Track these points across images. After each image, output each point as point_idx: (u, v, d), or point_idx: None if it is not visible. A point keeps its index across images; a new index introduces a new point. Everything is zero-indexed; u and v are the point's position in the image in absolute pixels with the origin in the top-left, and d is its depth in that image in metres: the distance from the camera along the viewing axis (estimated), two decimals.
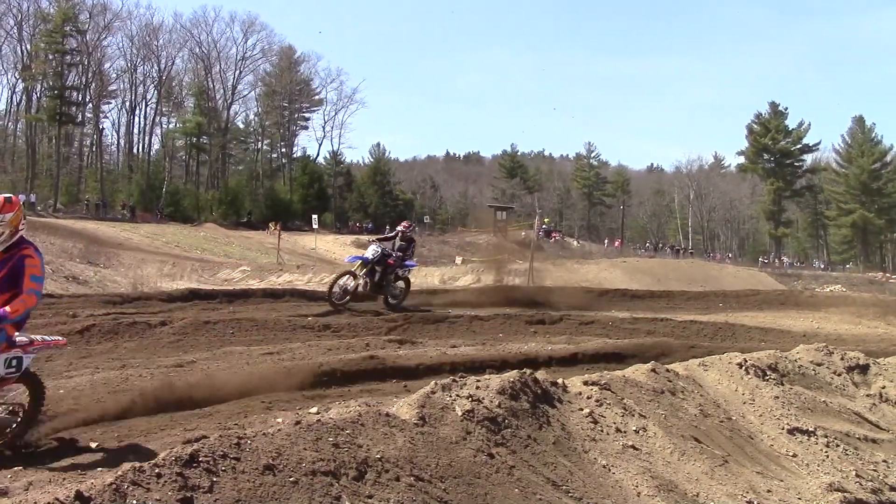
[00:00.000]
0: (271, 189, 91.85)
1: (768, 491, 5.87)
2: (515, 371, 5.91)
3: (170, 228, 60.38)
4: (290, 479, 3.86)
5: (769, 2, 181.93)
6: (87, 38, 78.38)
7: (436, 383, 5.39)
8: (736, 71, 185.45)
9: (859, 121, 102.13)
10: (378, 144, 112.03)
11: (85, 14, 78.86)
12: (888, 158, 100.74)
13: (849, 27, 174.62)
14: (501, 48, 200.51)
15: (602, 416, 5.96)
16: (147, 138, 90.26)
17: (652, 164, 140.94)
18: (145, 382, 8.76)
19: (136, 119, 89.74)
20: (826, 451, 6.87)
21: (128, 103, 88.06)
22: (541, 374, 6.13)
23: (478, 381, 5.62)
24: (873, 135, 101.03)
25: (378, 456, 4.31)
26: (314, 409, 6.79)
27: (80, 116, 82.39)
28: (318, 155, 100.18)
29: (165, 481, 3.56)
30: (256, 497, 3.69)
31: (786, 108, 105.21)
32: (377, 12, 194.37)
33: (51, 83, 78.18)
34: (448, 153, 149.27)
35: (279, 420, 5.53)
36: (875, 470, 6.84)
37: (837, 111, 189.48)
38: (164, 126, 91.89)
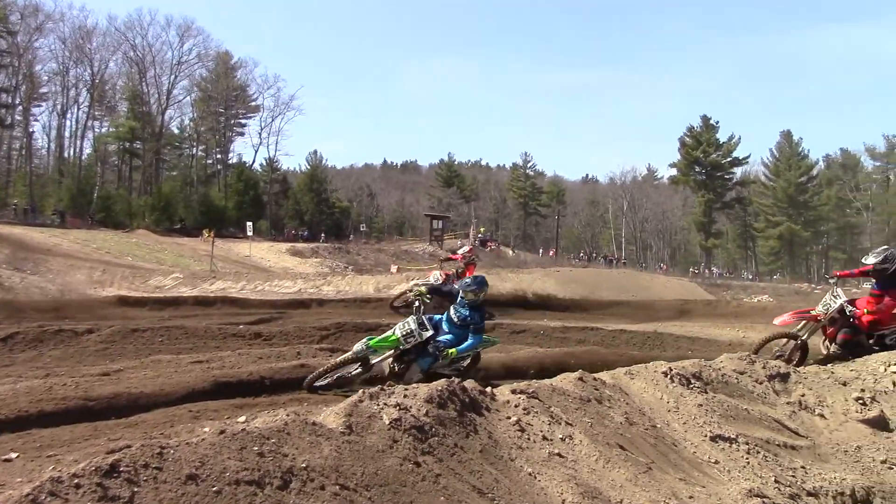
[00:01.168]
0: (206, 195, 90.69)
1: (690, 497, 5.98)
2: (443, 379, 5.94)
3: (101, 234, 59.05)
4: (213, 489, 3.83)
5: (703, 19, 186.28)
6: (18, 39, 76.63)
7: (363, 392, 5.39)
8: (670, 85, 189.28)
9: (787, 135, 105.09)
10: (315, 152, 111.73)
11: (16, 15, 77.09)
12: (814, 172, 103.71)
13: (778, 44, 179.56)
14: (440, 58, 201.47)
15: (529, 424, 6.02)
16: (79, 142, 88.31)
17: (587, 175, 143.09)
18: (69, 391, 8.59)
19: (68, 123, 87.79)
20: (747, 458, 7.02)
21: (59, 106, 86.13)
22: (469, 383, 6.17)
23: (405, 389, 5.64)
24: (800, 149, 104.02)
25: (304, 465, 4.30)
26: (242, 419, 6.75)
27: (9, 119, 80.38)
28: (253, 161, 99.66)
29: (85, 492, 3.50)
30: None
31: (717, 122, 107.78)
32: (315, 20, 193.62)
33: None
34: (385, 161, 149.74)
35: (206, 430, 5.48)
36: (793, 476, 7.01)
37: (766, 125, 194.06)
38: (96, 130, 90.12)
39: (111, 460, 3.71)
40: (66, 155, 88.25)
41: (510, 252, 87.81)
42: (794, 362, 11.22)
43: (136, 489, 3.63)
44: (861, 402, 8.79)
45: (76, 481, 3.52)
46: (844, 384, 9.31)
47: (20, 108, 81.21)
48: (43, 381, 9.21)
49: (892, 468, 7.81)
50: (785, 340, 11.85)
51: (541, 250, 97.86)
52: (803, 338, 11.71)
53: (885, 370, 9.83)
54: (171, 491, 3.71)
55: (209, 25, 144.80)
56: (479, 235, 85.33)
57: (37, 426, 7.49)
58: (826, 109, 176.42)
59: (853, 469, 7.64)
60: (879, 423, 8.56)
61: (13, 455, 6.34)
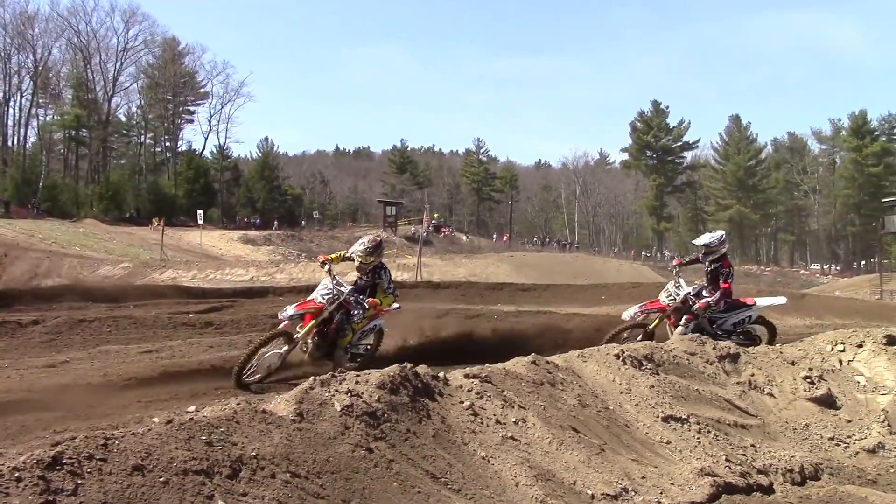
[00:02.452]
0: (155, 184, 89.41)
1: (643, 477, 6.02)
2: (396, 365, 5.90)
3: (47, 224, 58.04)
4: (161, 480, 3.75)
5: (652, 4, 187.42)
6: None
7: (314, 378, 5.33)
8: (621, 71, 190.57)
9: (736, 119, 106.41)
10: (266, 139, 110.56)
11: None
12: (763, 156, 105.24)
13: (727, 29, 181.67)
14: (390, 44, 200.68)
15: (482, 408, 6.01)
16: (22, 130, 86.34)
17: (540, 161, 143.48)
18: (13, 384, 8.41)
19: (11, 111, 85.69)
20: (698, 438, 7.09)
21: (1, 94, 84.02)
22: (422, 368, 6.13)
23: (357, 375, 5.59)
24: (749, 133, 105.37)
25: (253, 453, 4.24)
26: (192, 408, 6.65)
27: None
28: (204, 149, 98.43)
29: (26, 485, 3.41)
30: (124, 499, 3.57)
31: (667, 107, 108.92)
32: (264, 5, 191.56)
33: None
34: (338, 148, 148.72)
35: (154, 420, 5.38)
36: (744, 454, 7.09)
37: (715, 110, 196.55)
38: (40, 118, 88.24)
39: (54, 453, 3.62)
40: (9, 144, 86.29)
41: (464, 238, 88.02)
42: None
43: (79, 481, 3.54)
44: (809, 380, 8.92)
45: (17, 475, 3.43)
46: (793, 363, 9.44)
47: None
48: None
49: (840, 445, 7.95)
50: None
51: (495, 235, 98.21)
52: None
53: (832, 349, 9.98)
54: (117, 483, 3.63)
55: (155, 11, 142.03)
56: (433, 221, 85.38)
57: None
58: (774, 95, 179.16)
59: (802, 446, 7.76)
60: (827, 402, 8.70)
61: None
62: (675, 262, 12.77)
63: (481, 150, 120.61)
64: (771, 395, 8.77)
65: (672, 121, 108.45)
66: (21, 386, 8.39)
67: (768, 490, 6.60)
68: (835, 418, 8.46)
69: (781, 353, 9.84)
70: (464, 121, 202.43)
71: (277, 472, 4.21)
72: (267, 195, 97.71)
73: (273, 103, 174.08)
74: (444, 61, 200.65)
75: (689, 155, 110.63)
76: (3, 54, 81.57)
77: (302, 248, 67.40)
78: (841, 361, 9.70)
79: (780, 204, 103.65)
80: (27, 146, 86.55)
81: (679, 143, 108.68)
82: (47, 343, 11.47)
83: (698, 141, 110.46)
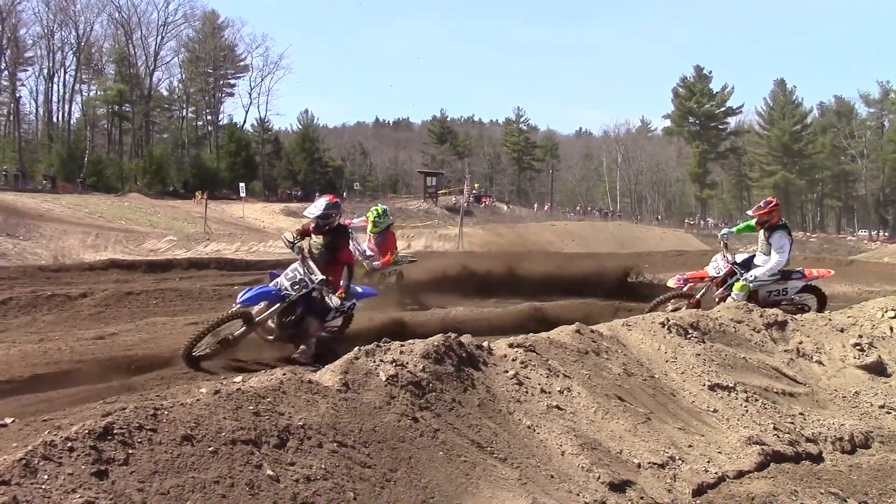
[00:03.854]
0: (197, 157, 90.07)
1: (689, 446, 5.99)
2: (440, 335, 5.89)
3: (92, 199, 58.76)
4: (210, 449, 3.79)
5: None
6: (0, 3, 75.48)
7: (359, 349, 5.35)
8: (662, 36, 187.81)
9: (781, 84, 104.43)
10: (306, 111, 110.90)
11: None
12: (808, 120, 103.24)
13: None
14: (429, 13, 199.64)
15: (527, 377, 6.00)
16: (67, 106, 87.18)
17: (580, 129, 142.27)
18: (64, 356, 8.56)
19: (55, 87, 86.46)
20: (745, 406, 7.03)
21: (46, 70, 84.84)
22: (466, 338, 6.13)
23: (402, 345, 5.60)
24: (794, 97, 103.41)
25: (300, 423, 4.27)
26: (238, 378, 6.72)
27: None
28: (244, 122, 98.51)
29: (78, 455, 3.46)
30: (174, 468, 3.62)
31: (710, 72, 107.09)
32: None
33: None
34: (377, 119, 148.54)
35: (201, 390, 5.44)
36: (792, 422, 7.02)
37: (760, 75, 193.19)
38: (84, 94, 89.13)
39: (105, 423, 3.67)
40: (54, 119, 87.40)
41: (505, 207, 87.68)
42: None
43: (130, 451, 3.59)
44: (859, 347, 8.80)
45: (70, 444, 3.48)
46: (842, 331, 9.31)
47: (6, 72, 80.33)
48: (37, 345, 9.19)
49: (890, 413, 7.83)
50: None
51: (535, 205, 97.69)
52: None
53: (883, 316, 9.83)
54: (167, 452, 3.67)
55: None
56: (473, 192, 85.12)
57: (32, 391, 7.47)
58: (820, 57, 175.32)
59: (851, 414, 7.66)
60: (877, 369, 8.58)
61: (8, 420, 6.32)
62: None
63: (521, 120, 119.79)
64: (819, 362, 8.67)
65: (715, 86, 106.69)
66: (72, 357, 8.54)
67: (817, 458, 6.53)
68: (885, 385, 8.34)
69: (830, 320, 9.72)
70: (504, 90, 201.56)
71: (324, 441, 4.23)
72: (308, 167, 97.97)
73: (313, 76, 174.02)
74: (484, 31, 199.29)
75: (732, 121, 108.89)
76: (46, 31, 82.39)
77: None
78: (892, 328, 9.55)
79: (827, 169, 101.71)
80: (72, 122, 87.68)
81: (722, 109, 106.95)
82: (95, 315, 11.65)
83: (742, 106, 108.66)
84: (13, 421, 6.33)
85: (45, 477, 3.30)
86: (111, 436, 3.62)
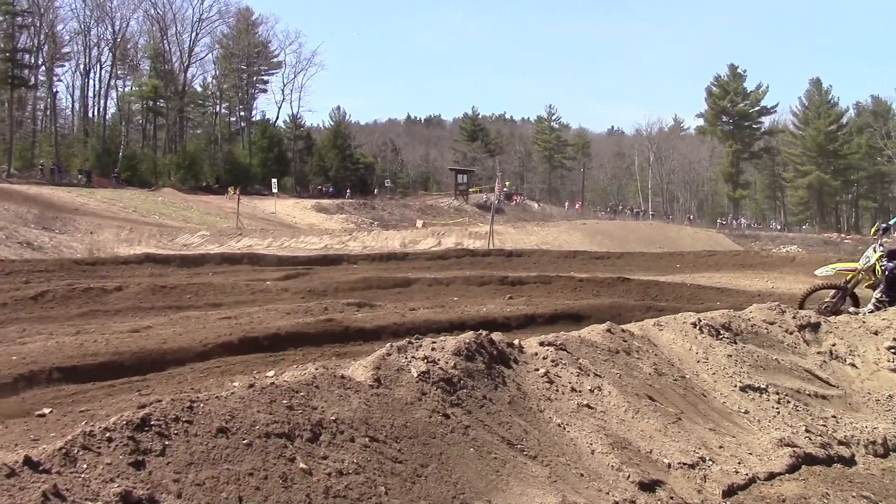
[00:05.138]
0: (230, 153, 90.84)
1: (720, 447, 5.97)
2: (471, 332, 5.92)
3: (127, 193, 59.48)
4: (244, 442, 3.84)
5: None
6: None
7: (391, 345, 5.38)
8: (696, 33, 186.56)
9: (816, 83, 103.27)
10: (338, 108, 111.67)
11: None
12: (844, 120, 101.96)
13: None
14: (460, 10, 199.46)
15: (557, 375, 6.00)
16: (102, 102, 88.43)
17: (612, 127, 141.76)
18: (100, 348, 8.68)
19: (91, 82, 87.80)
20: (777, 408, 6.98)
21: (82, 66, 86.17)
22: (497, 336, 6.14)
23: (433, 342, 5.62)
24: (830, 97, 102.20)
25: (333, 417, 4.30)
26: (271, 373, 6.79)
27: (32, 79, 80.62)
28: (277, 118, 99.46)
29: (117, 445, 3.52)
30: (209, 459, 3.67)
31: (744, 71, 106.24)
32: None
33: (2, 45, 76.21)
34: (409, 116, 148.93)
35: (235, 384, 5.51)
36: (824, 425, 6.97)
37: (795, 73, 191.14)
38: (119, 89, 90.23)
39: (142, 414, 3.73)
40: (90, 114, 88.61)
41: (535, 206, 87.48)
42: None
43: (167, 442, 3.64)
44: (893, 350, 8.71)
45: (108, 435, 3.54)
46: (876, 333, 9.22)
47: (43, 68, 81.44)
48: (74, 337, 9.32)
49: None
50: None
51: (566, 203, 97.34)
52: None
53: None
54: (202, 444, 3.72)
55: None
56: (504, 189, 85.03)
57: (69, 382, 7.58)
58: (856, 56, 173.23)
59: (885, 418, 7.59)
60: None
61: (46, 410, 6.43)
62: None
63: (553, 118, 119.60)
64: (853, 365, 8.59)
65: (749, 85, 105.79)
66: (108, 350, 8.65)
67: (850, 462, 6.48)
68: None
69: (864, 322, 9.62)
70: (535, 88, 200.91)
71: (356, 436, 4.27)
72: (339, 164, 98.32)
73: (344, 72, 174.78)
74: (515, 27, 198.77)
75: (766, 120, 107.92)
76: (83, 27, 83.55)
77: (374, 216, 67.89)
78: None
79: (862, 170, 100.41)
80: (107, 117, 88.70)
81: (756, 108, 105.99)
82: (130, 309, 11.79)
83: (776, 105, 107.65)
84: (51, 411, 6.44)
85: (84, 466, 3.35)
86: (148, 427, 3.67)
